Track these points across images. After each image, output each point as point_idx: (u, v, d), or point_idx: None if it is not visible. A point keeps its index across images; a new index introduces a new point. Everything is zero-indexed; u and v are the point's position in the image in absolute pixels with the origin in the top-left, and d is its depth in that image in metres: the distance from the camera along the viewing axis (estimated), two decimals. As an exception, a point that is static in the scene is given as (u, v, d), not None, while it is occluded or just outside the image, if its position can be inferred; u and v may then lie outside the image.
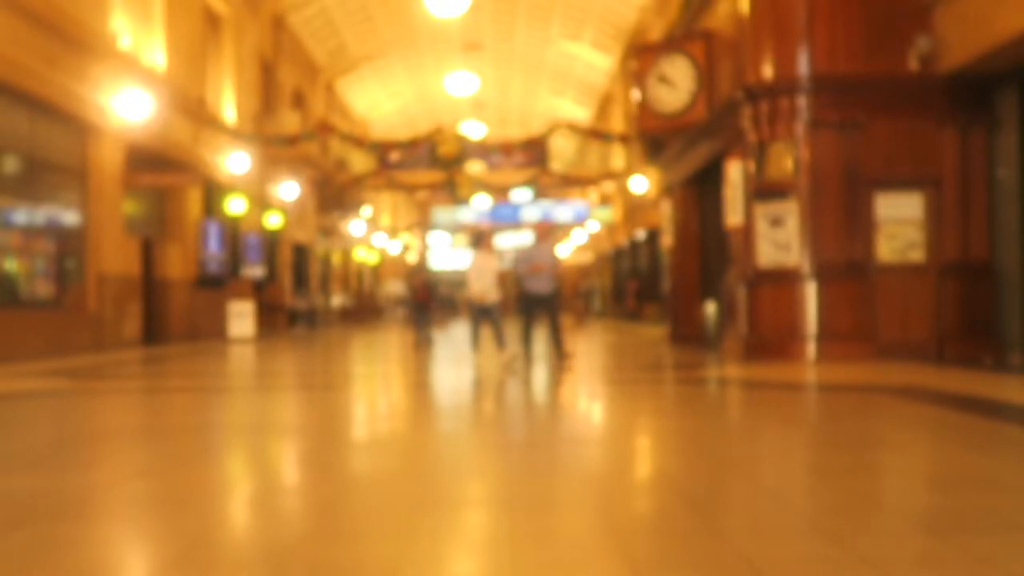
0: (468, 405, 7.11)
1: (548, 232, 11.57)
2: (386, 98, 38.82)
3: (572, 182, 29.25)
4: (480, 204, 33.89)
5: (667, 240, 15.71)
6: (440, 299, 36.46)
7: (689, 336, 14.45)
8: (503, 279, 10.78)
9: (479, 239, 10.87)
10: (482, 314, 10.31)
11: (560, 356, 10.24)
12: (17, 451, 4.66)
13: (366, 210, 35.95)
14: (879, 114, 10.45)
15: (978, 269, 10.42)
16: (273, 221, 24.70)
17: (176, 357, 13.36)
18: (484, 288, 10.12)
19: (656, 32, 22.34)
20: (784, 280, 10.52)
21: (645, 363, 11.37)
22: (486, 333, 10.57)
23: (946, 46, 10.13)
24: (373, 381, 9.72)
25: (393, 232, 44.38)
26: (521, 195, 32.83)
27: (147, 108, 16.08)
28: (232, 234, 19.78)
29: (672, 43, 13.44)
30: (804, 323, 10.41)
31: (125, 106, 15.61)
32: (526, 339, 10.43)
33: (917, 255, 10.57)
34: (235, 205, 21.34)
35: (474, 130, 26.06)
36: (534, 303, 10.45)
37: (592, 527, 3.00)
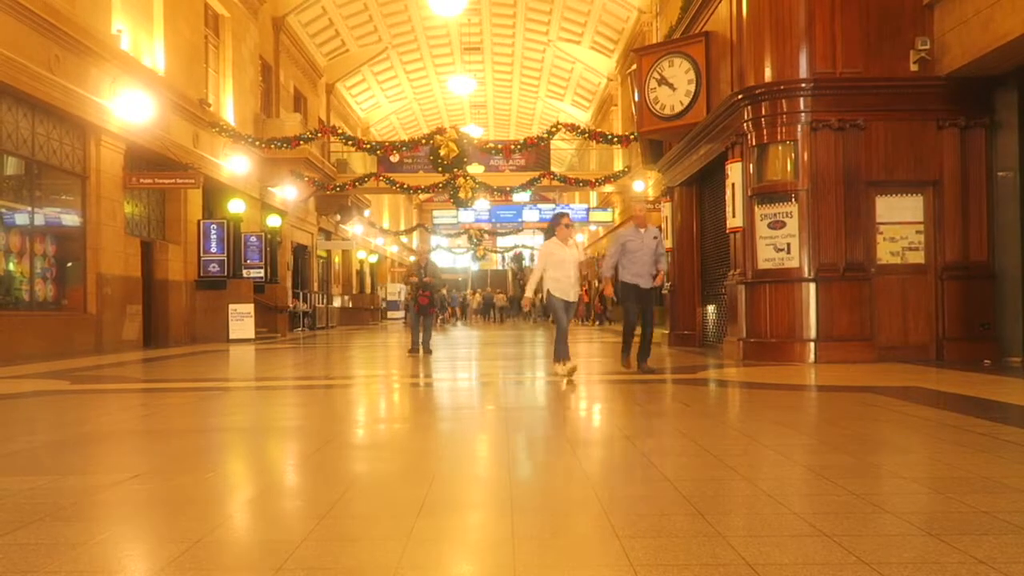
0: (481, 405, 7.11)
1: (647, 217, 9.49)
2: (386, 100, 38.83)
3: (572, 184, 29.27)
4: (480, 206, 33.93)
5: (666, 242, 15.72)
6: (443, 302, 36.50)
7: (689, 337, 14.46)
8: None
9: (555, 224, 8.78)
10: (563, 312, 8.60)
11: (644, 360, 9.05)
12: (18, 452, 4.67)
13: (366, 212, 35.97)
14: (879, 116, 10.47)
15: (978, 271, 10.43)
16: (273, 222, 24.71)
17: (177, 359, 13.36)
18: (567, 284, 8.53)
19: (656, 34, 22.37)
20: (784, 282, 10.53)
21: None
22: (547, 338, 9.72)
23: (945, 48, 10.15)
24: (375, 382, 9.70)
25: (393, 234, 44.40)
26: (521, 197, 32.86)
27: (147, 110, 16.10)
28: (232, 235, 19.79)
29: (672, 45, 13.46)
30: (804, 325, 10.42)
31: (125, 108, 15.63)
32: (629, 339, 9.24)
33: (917, 257, 10.58)
34: (235, 206, 21.36)
35: (474, 132, 26.04)
36: (635, 298, 9.05)
37: (592, 528, 3.00)
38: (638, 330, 9.16)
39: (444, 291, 39.28)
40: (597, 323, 30.34)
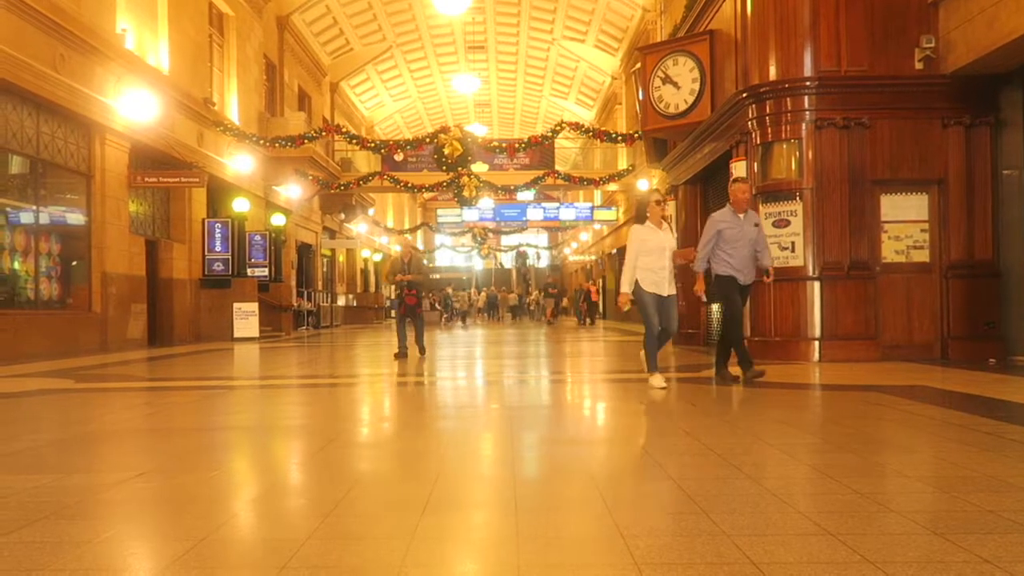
0: (485, 404, 7.11)
1: (748, 199, 7.94)
2: (391, 99, 38.84)
3: (577, 183, 29.27)
4: (485, 204, 33.96)
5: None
6: (447, 301, 36.40)
7: (693, 336, 14.45)
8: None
9: (644, 207, 7.60)
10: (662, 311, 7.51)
11: (748, 365, 7.72)
12: (22, 450, 4.68)
13: (370, 210, 35.99)
14: (883, 114, 10.45)
15: (983, 269, 10.41)
16: (278, 221, 24.74)
17: (181, 357, 13.38)
18: (660, 275, 7.43)
19: (660, 33, 22.34)
20: (788, 280, 10.52)
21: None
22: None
23: (950, 46, 10.12)
24: (379, 381, 9.70)
25: (398, 232, 44.43)
26: (525, 196, 32.87)
27: (152, 109, 16.13)
28: (237, 234, 19.83)
29: (676, 43, 13.45)
30: (808, 323, 10.41)
31: (130, 107, 15.65)
32: (738, 341, 7.89)
33: (922, 255, 10.57)
34: (240, 205, 21.39)
35: (478, 131, 26.06)
36: (735, 291, 7.75)
37: (597, 527, 3.00)
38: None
39: (450, 290, 39.25)
40: (588, 323, 30.03)
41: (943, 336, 10.43)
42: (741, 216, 7.73)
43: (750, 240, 7.69)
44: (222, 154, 20.68)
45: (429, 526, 2.98)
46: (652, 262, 7.40)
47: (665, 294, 7.44)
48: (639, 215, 7.62)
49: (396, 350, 12.16)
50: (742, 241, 7.66)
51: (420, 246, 55.63)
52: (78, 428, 5.64)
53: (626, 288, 7.47)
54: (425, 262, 45.95)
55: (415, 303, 12.07)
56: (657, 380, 7.40)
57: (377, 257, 42.55)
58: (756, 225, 7.81)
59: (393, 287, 12.43)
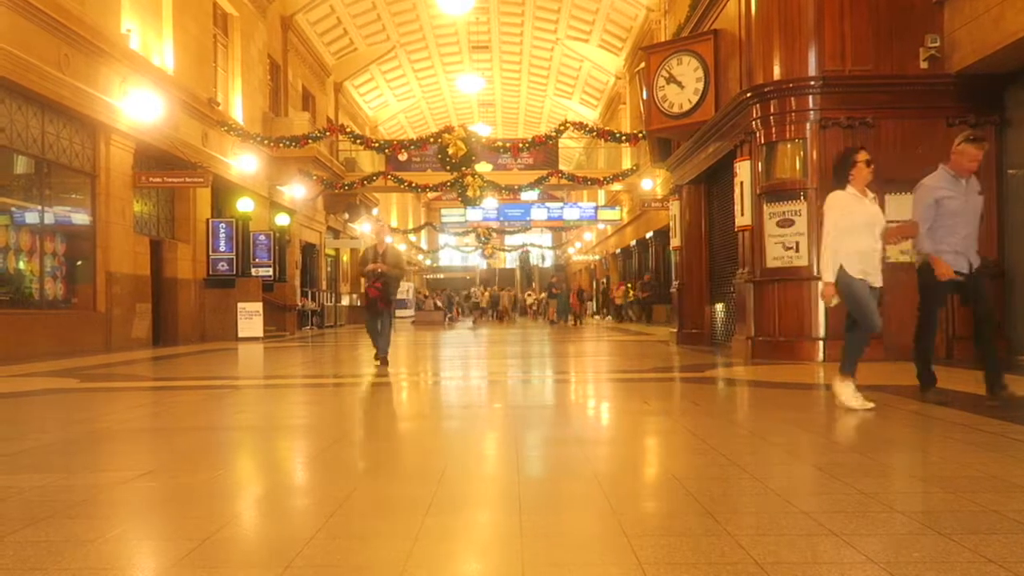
0: (488, 403, 7.12)
1: (976, 167, 5.97)
2: (395, 99, 38.86)
3: (580, 182, 29.25)
4: (488, 204, 33.96)
5: (675, 240, 15.70)
6: (450, 300, 36.33)
7: (697, 336, 14.43)
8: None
9: (845, 164, 5.74)
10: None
11: (999, 382, 5.99)
12: (27, 450, 4.69)
13: (375, 210, 36.01)
14: (888, 114, 10.43)
15: (987, 269, 10.36)
16: (282, 221, 24.77)
17: (186, 357, 13.39)
18: (870, 258, 5.69)
19: (664, 32, 22.34)
20: (792, 280, 10.50)
21: (652, 362, 11.34)
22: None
23: (955, 45, 10.10)
24: (383, 380, 9.70)
25: (402, 232, 44.45)
26: (529, 195, 32.85)
27: (157, 109, 16.16)
28: (241, 234, 19.86)
29: (680, 43, 13.44)
30: (813, 323, 10.39)
31: (135, 107, 15.69)
32: (926, 348, 6.27)
33: (926, 255, 10.52)
34: (244, 205, 21.43)
35: (482, 131, 26.08)
36: (951, 286, 6.00)
37: (600, 527, 3.00)
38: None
39: (473, 289, 39.00)
40: (576, 322, 29.22)
41: (948, 336, 10.40)
42: (963, 182, 5.90)
43: (975, 213, 5.96)
44: (226, 154, 20.71)
45: (433, 526, 2.98)
46: (859, 242, 5.62)
47: (877, 285, 5.71)
48: (839, 176, 5.74)
49: (375, 354, 10.59)
50: (967, 215, 5.89)
51: (423, 245, 55.61)
52: (82, 427, 5.65)
53: (829, 276, 5.68)
54: (411, 258, 44.87)
55: (377, 296, 10.15)
56: (855, 397, 5.65)
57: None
58: (980, 194, 6.08)
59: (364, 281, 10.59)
